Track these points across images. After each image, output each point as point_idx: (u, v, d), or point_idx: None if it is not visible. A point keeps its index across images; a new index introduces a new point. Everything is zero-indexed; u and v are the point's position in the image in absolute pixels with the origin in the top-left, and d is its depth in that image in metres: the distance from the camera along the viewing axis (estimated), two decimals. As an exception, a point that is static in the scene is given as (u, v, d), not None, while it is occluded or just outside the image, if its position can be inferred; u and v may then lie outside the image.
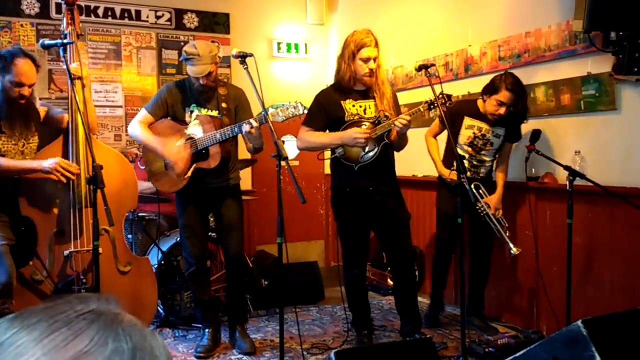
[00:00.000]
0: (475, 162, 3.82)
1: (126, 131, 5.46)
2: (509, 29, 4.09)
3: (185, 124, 3.50)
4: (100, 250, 3.05)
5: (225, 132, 3.33)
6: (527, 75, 3.94)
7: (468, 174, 3.78)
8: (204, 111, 3.50)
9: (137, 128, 3.49)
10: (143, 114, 3.54)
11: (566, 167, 3.32)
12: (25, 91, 3.02)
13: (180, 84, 3.59)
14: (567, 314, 3.28)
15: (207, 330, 3.67)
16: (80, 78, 3.12)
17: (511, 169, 4.03)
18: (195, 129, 3.44)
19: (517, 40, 4.02)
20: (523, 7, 4.02)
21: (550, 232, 3.79)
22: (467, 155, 3.79)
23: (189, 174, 3.44)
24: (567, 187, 3.27)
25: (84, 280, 3.02)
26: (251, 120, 3.19)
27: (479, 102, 3.78)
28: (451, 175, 3.74)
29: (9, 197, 3.04)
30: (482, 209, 3.69)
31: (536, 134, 3.75)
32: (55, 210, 3.07)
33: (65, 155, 3.09)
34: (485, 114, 3.71)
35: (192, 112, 3.50)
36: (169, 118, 3.57)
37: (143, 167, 3.63)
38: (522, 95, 3.60)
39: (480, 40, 4.34)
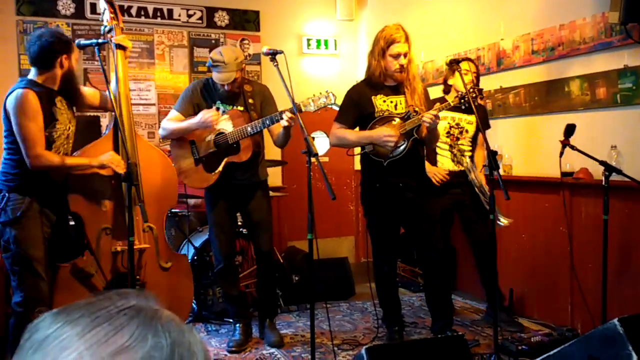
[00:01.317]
0: (456, 152, 3.89)
1: (159, 128, 5.55)
2: (543, 21, 4.02)
3: None
4: (148, 246, 3.11)
5: (257, 124, 3.36)
6: (562, 69, 3.87)
7: (452, 165, 3.90)
8: (229, 107, 3.53)
9: (167, 123, 3.52)
10: (173, 114, 3.57)
11: (602, 162, 3.25)
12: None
13: (206, 83, 3.62)
14: (602, 312, 3.22)
15: (238, 325, 3.72)
16: (125, 48, 3.15)
17: (545, 164, 3.97)
18: (225, 124, 3.47)
19: (551, 33, 3.94)
20: (557, -1, 3.94)
21: (585, 228, 3.72)
22: (447, 147, 3.90)
23: (220, 168, 3.47)
24: (603, 182, 3.21)
25: (137, 277, 3.03)
26: (285, 112, 3.19)
27: (446, 97, 3.84)
28: (438, 173, 3.83)
29: (59, 192, 3.01)
30: (475, 182, 3.81)
31: (571, 129, 3.67)
32: (103, 207, 3.07)
33: (118, 152, 3.05)
34: (456, 100, 3.65)
35: (218, 108, 3.53)
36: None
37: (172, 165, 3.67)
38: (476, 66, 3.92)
39: (513, 33, 4.28)
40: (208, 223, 3.74)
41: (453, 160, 3.91)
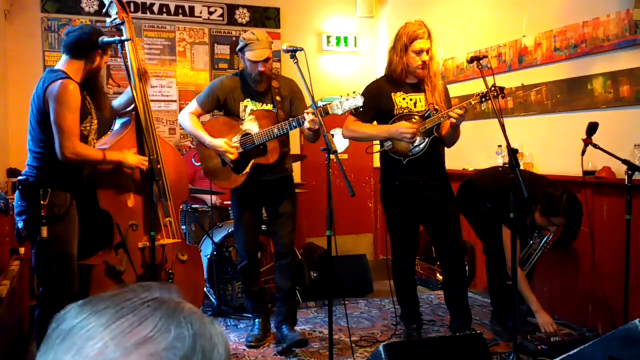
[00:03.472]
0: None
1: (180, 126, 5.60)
2: (565, 18, 3.97)
3: (239, 119, 3.47)
4: (178, 240, 3.14)
5: (283, 127, 3.30)
6: (584, 66, 3.83)
7: None
8: (257, 105, 3.47)
9: (187, 118, 3.49)
10: (193, 105, 3.52)
11: (625, 161, 3.21)
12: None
13: (234, 78, 3.56)
14: (624, 312, 3.19)
15: (257, 320, 3.73)
16: (145, 72, 3.10)
17: (566, 163, 3.93)
18: (251, 125, 3.42)
19: (573, 30, 3.90)
20: (580, -5, 3.89)
21: (607, 228, 3.68)
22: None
23: (247, 169, 3.43)
24: (626, 181, 3.17)
25: (170, 271, 3.06)
26: (308, 113, 3.09)
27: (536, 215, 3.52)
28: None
29: (87, 188, 2.96)
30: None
31: (593, 127, 3.63)
32: (129, 203, 3.06)
33: (140, 148, 3.06)
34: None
35: (246, 106, 3.47)
36: (222, 113, 3.58)
37: (198, 164, 3.59)
38: (578, 218, 3.43)
39: (535, 30, 4.24)
40: (233, 218, 3.73)
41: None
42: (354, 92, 3.11)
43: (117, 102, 3.24)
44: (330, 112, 3.10)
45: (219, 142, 3.38)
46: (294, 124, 3.27)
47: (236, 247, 3.76)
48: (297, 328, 3.74)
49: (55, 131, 2.74)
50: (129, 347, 0.59)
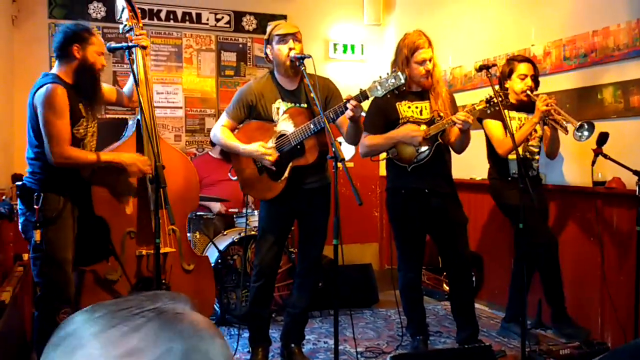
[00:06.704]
0: (528, 155, 3.73)
1: (186, 132, 5.59)
2: (575, 27, 3.94)
3: (273, 122, 3.23)
4: (174, 249, 3.10)
5: (320, 120, 2.98)
6: (594, 76, 3.80)
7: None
8: (290, 105, 3.23)
9: (218, 131, 3.28)
10: (224, 118, 3.31)
11: (635, 172, 3.18)
12: (104, 61, 2.99)
13: (261, 81, 3.31)
14: (634, 326, 3.14)
15: (259, 349, 3.43)
16: (144, 47, 3.08)
17: (576, 173, 3.89)
18: (286, 125, 3.17)
19: (583, 39, 3.87)
20: (590, 4, 3.86)
21: (617, 239, 3.63)
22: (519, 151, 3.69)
23: (287, 174, 3.17)
24: (637, 192, 3.14)
25: (164, 281, 2.98)
26: (350, 101, 2.90)
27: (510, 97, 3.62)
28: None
29: (87, 192, 2.96)
30: None
31: (603, 137, 3.59)
32: (127, 210, 3.02)
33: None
34: (517, 101, 3.62)
35: (278, 108, 3.22)
36: (253, 118, 3.31)
37: (235, 178, 3.36)
38: (534, 62, 3.76)
39: (544, 39, 4.21)
40: (259, 229, 3.42)
41: (529, 167, 3.70)
42: (394, 71, 2.92)
43: (126, 88, 3.28)
44: (369, 96, 2.91)
45: (253, 147, 3.14)
46: (330, 115, 3.00)
47: (254, 263, 3.40)
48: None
49: (45, 137, 2.79)
50: (116, 357, 0.57)
